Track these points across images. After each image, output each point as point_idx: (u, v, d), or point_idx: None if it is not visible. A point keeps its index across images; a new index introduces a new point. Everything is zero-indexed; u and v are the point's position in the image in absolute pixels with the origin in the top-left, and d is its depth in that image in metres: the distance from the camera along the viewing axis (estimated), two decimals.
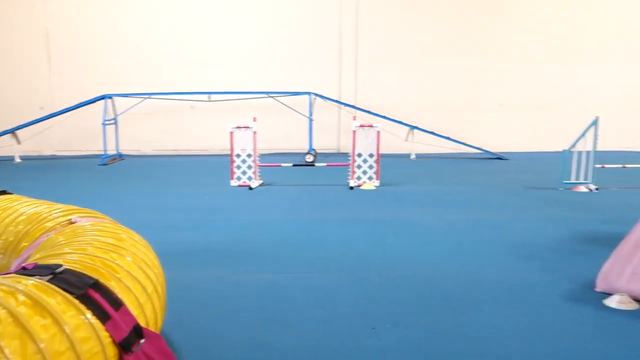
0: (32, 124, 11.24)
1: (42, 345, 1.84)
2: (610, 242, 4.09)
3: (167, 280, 2.88)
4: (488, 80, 11.87)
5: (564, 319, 3.33)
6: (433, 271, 4.18)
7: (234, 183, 7.89)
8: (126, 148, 12.06)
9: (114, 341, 2.09)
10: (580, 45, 11.75)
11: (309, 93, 11.03)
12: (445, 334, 3.10)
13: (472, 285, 3.89)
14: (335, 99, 11.66)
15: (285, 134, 12.04)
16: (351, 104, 11.60)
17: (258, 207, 6.55)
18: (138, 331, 2.23)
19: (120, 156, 11.59)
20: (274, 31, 12.15)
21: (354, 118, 8.03)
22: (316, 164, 8.94)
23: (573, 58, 11.77)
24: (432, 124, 11.34)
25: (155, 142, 12.44)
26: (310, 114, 11.06)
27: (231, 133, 7.83)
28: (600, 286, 3.74)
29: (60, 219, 3.00)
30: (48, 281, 2.09)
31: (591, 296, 3.68)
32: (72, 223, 2.94)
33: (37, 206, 3.23)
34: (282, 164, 8.62)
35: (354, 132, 7.70)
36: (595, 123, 7.41)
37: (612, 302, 3.54)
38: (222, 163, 9.10)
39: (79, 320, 2.01)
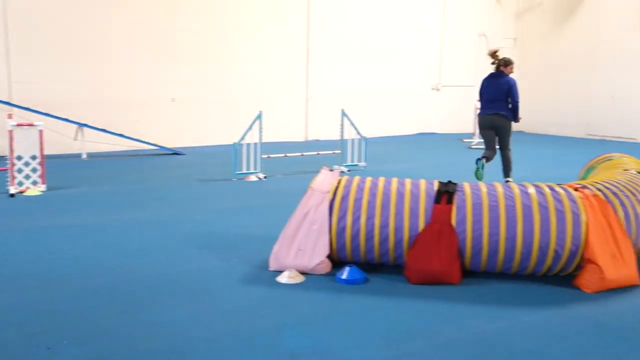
0: None
1: None
2: (280, 224, 4.48)
3: None
4: (160, 75, 11.84)
5: (241, 299, 3.54)
6: (114, 274, 3.98)
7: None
8: None
9: None
10: (246, 45, 12.60)
11: None
12: (129, 339, 2.98)
13: (155, 282, 3.83)
14: None
15: None
16: (5, 100, 10.25)
17: None
18: None
19: None
20: None
21: (10, 116, 7.11)
22: None
23: (241, 57, 12.56)
24: (104, 121, 10.79)
25: None
26: None
27: None
28: (272, 265, 4.08)
29: None
30: None
31: (266, 276, 3.99)
32: None
33: None
34: None
35: (10, 132, 6.82)
36: (259, 117, 8.05)
37: (283, 278, 3.89)
38: None
39: None
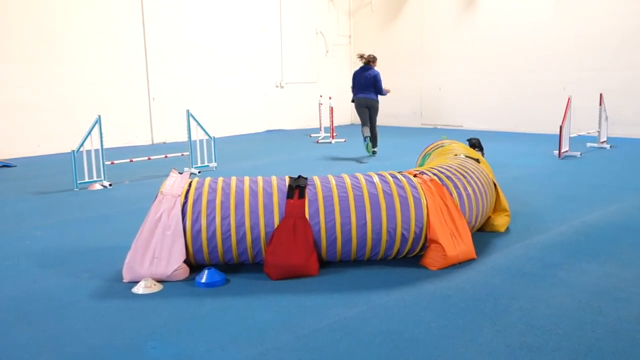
0: None
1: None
2: (131, 232, 4.27)
3: None
4: None
5: (95, 316, 3.34)
6: None
7: None
8: None
9: None
10: (80, 45, 11.78)
11: None
12: None
13: None
14: None
15: None
16: None
17: None
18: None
19: None
20: None
21: None
22: None
23: (75, 57, 11.72)
24: None
25: None
26: None
27: None
28: (126, 277, 3.89)
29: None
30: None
31: (120, 288, 3.80)
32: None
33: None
34: None
35: None
36: (98, 122, 7.61)
37: (139, 288, 3.73)
38: None
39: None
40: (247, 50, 14.85)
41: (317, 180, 4.21)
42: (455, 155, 5.32)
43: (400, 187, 4.16)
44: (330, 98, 12.97)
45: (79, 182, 7.48)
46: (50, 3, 11.41)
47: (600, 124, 10.41)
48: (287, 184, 4.13)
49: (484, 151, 7.71)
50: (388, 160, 9.44)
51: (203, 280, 3.80)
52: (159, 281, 3.84)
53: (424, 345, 2.91)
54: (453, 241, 4.12)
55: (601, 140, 10.46)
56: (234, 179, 4.20)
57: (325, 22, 16.61)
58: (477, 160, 5.28)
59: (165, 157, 8.97)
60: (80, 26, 11.83)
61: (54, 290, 3.79)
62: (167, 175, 4.25)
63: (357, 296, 3.61)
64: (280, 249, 3.89)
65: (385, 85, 10.10)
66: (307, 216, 3.95)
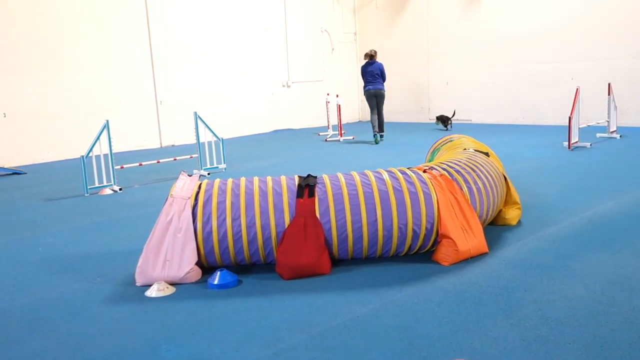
0: None
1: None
2: (142, 236, 4.29)
3: None
4: None
5: (109, 320, 3.36)
6: None
7: None
8: None
9: None
10: (85, 52, 11.84)
11: None
12: None
13: (10, 315, 3.51)
14: None
15: None
16: None
17: None
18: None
19: None
20: None
21: None
22: None
23: (81, 64, 11.78)
24: None
25: None
26: None
27: None
28: (139, 280, 3.90)
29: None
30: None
31: (133, 292, 3.81)
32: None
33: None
34: None
35: None
36: (106, 126, 7.64)
37: (152, 292, 3.74)
38: None
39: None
40: (253, 51, 14.86)
41: (326, 178, 4.21)
42: (465, 149, 5.30)
43: (410, 183, 4.14)
44: (337, 96, 12.95)
45: (89, 187, 7.52)
46: (57, 10, 11.47)
47: (609, 113, 10.32)
48: (296, 183, 4.13)
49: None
50: (397, 157, 9.41)
51: (215, 282, 3.81)
52: (172, 284, 3.85)
53: (438, 341, 2.90)
54: (465, 236, 4.10)
55: (611, 130, 10.37)
56: (243, 180, 4.20)
57: (330, 20, 16.58)
58: (487, 154, 5.25)
59: (174, 159, 9.00)
60: (86, 32, 11.89)
61: (67, 296, 3.81)
62: (177, 178, 4.26)
63: (370, 293, 3.60)
64: (291, 248, 3.89)
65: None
66: (317, 215, 3.94)
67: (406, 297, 3.50)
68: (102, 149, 7.59)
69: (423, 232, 4.06)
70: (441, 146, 6.00)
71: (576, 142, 9.36)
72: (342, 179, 4.19)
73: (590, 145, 9.41)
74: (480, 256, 4.17)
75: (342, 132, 12.58)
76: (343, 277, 3.92)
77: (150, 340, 3.08)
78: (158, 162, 8.92)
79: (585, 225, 4.86)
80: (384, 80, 11.78)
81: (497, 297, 3.42)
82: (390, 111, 16.56)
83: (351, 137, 12.59)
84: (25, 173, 9.94)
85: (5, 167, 10.24)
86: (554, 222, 5.00)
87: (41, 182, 8.84)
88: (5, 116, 10.91)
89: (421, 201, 4.05)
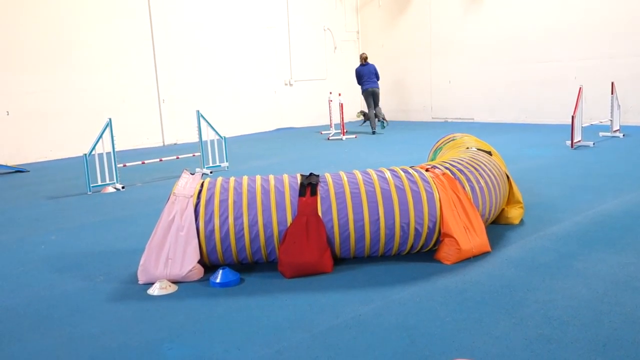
0: None
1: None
2: (145, 234, 4.30)
3: None
4: None
5: (112, 319, 3.36)
6: None
7: None
8: None
9: None
10: (88, 50, 11.85)
11: None
12: None
13: (13, 313, 3.51)
14: None
15: None
16: None
17: None
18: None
19: None
20: None
21: None
22: None
23: (83, 63, 11.79)
24: None
25: None
26: None
27: None
28: (142, 279, 3.91)
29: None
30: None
31: (136, 290, 3.82)
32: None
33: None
34: None
35: None
36: (109, 125, 7.65)
37: (154, 290, 3.75)
38: None
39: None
40: (255, 49, 14.85)
41: (328, 177, 4.20)
42: (467, 148, 5.29)
43: (412, 181, 4.14)
44: (340, 94, 12.95)
45: (91, 185, 7.53)
46: (60, 9, 11.48)
47: (612, 112, 10.30)
48: (298, 181, 4.13)
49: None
50: (399, 155, 9.41)
51: (218, 280, 3.81)
52: (174, 282, 3.86)
53: (440, 340, 2.90)
54: (467, 235, 4.10)
55: (614, 129, 10.35)
56: (245, 178, 4.20)
57: (333, 18, 16.57)
58: (489, 153, 5.24)
59: (177, 158, 9.01)
60: (90, 31, 11.90)
61: (70, 294, 3.82)
62: (179, 176, 4.26)
63: (372, 292, 3.60)
64: (293, 247, 3.89)
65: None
66: (319, 213, 3.94)
67: (408, 296, 3.49)
68: (104, 147, 7.60)
69: (425, 230, 4.06)
70: (443, 145, 5.99)
71: (579, 141, 9.34)
72: (345, 178, 4.19)
73: (593, 144, 9.39)
74: (482, 255, 4.16)
75: (345, 130, 12.57)
76: (345, 275, 3.92)
77: (152, 338, 3.08)
78: (160, 160, 8.93)
79: (588, 224, 4.85)
80: (378, 79, 13.28)
81: (500, 296, 3.42)
82: (393, 110, 16.56)
83: (353, 136, 12.58)
84: (28, 171, 9.95)
85: (8, 165, 10.26)
86: (556, 221, 4.99)
87: (44, 180, 8.85)
88: (8, 114, 10.94)
89: (424, 200, 4.05)
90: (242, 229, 3.91)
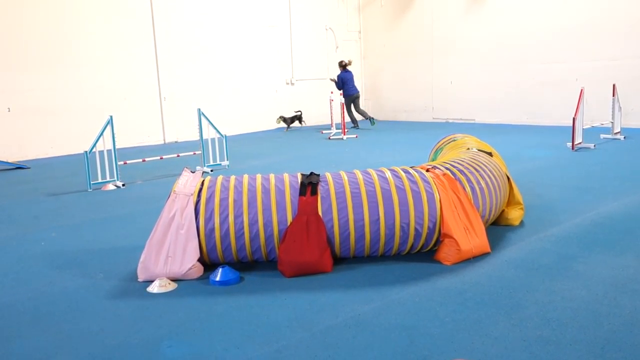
0: None
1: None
2: (145, 232, 4.29)
3: None
4: None
5: (111, 316, 3.36)
6: None
7: None
8: None
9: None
10: (89, 47, 11.85)
11: None
12: None
13: (12, 309, 3.52)
14: None
15: None
16: None
17: None
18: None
19: None
20: None
21: None
22: None
23: (85, 60, 11.79)
24: None
25: None
26: None
27: None
28: (141, 276, 3.91)
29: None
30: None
31: (135, 288, 3.82)
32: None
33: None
34: None
35: None
36: (110, 122, 7.66)
37: (154, 288, 3.75)
38: None
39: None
40: (257, 48, 14.86)
41: (329, 176, 4.21)
42: (468, 149, 5.29)
43: (413, 182, 4.14)
44: (341, 94, 12.95)
45: (92, 182, 7.54)
46: (62, 7, 11.48)
47: (613, 115, 10.30)
48: (299, 181, 4.13)
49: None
50: (400, 155, 9.41)
51: (217, 279, 3.82)
52: (174, 280, 3.86)
53: (439, 340, 2.90)
54: (467, 235, 4.10)
55: (615, 132, 10.35)
56: (246, 177, 4.21)
57: (335, 18, 16.57)
58: (490, 154, 5.24)
59: (178, 156, 9.01)
60: (92, 29, 11.90)
61: (69, 291, 3.82)
62: (180, 175, 4.26)
63: (372, 292, 3.60)
64: (293, 246, 3.89)
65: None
66: (320, 213, 3.95)
67: (408, 296, 3.50)
68: (105, 144, 7.60)
69: (425, 231, 4.06)
70: (444, 145, 5.99)
71: (580, 142, 9.33)
72: (345, 177, 4.19)
73: (594, 146, 9.39)
74: (482, 256, 4.16)
75: (346, 130, 12.57)
76: (345, 275, 3.92)
77: (151, 336, 3.08)
78: (161, 158, 8.93)
79: (588, 226, 4.85)
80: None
81: (499, 297, 3.42)
82: (394, 110, 16.57)
83: (354, 136, 12.58)
84: (29, 168, 9.96)
85: (9, 161, 10.27)
86: (556, 222, 4.99)
87: (44, 177, 8.86)
88: (9, 111, 10.94)
89: (424, 200, 4.05)
90: (242, 227, 3.91)
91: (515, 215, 5.01)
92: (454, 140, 5.91)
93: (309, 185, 4.05)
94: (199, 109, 8.75)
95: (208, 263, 4.07)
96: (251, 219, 3.92)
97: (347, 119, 14.43)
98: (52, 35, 11.37)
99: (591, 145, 9.37)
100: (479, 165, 4.66)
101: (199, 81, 13.64)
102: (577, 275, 3.74)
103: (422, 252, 4.27)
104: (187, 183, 4.10)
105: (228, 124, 12.81)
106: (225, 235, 3.92)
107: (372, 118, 14.46)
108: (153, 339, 3.04)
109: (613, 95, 10.23)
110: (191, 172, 4.32)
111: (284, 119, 14.53)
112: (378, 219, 3.98)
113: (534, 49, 13.44)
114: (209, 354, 2.86)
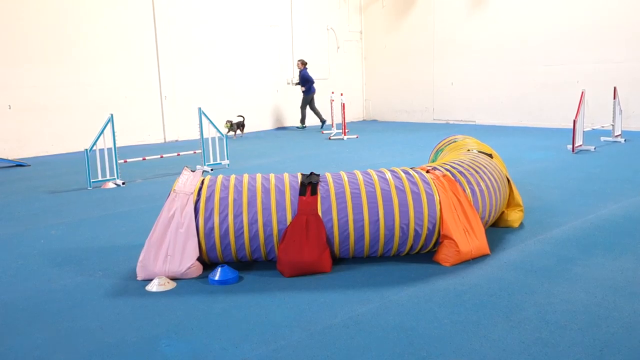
0: None
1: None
2: (144, 231, 4.29)
3: None
4: None
5: (110, 314, 3.36)
6: None
7: None
8: None
9: None
10: (91, 45, 11.85)
11: None
12: None
13: (11, 306, 3.52)
14: None
15: None
16: None
17: None
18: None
19: None
20: None
21: None
22: None
23: (86, 58, 11.79)
24: None
25: None
26: None
27: None
28: (140, 275, 3.91)
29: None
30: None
31: (134, 286, 3.82)
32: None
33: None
34: None
35: None
36: (111, 120, 7.66)
37: (153, 286, 3.75)
38: None
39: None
40: (258, 48, 14.86)
41: (329, 176, 4.21)
42: (468, 150, 5.29)
43: (413, 183, 4.14)
44: (342, 94, 12.95)
45: (92, 180, 7.54)
46: (64, 4, 11.48)
47: (614, 117, 10.30)
48: (299, 181, 4.13)
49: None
50: (400, 156, 9.41)
51: (216, 278, 3.82)
52: (173, 279, 3.86)
53: (437, 341, 2.90)
54: (466, 237, 4.10)
55: (615, 134, 10.35)
56: (246, 177, 4.21)
57: (336, 18, 16.57)
58: (490, 155, 5.24)
59: (178, 155, 9.01)
60: (93, 27, 11.91)
61: (68, 289, 3.82)
62: (180, 173, 4.26)
63: (371, 292, 3.60)
64: (293, 246, 3.89)
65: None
66: (319, 213, 3.95)
67: (407, 297, 3.50)
68: (106, 142, 7.61)
69: (425, 232, 4.06)
70: (445, 147, 5.99)
71: (580, 145, 9.34)
72: (345, 178, 4.19)
73: (595, 148, 9.39)
74: (481, 258, 4.16)
75: (346, 130, 12.58)
76: (344, 275, 3.93)
77: (150, 334, 3.08)
78: (161, 157, 8.93)
79: (588, 228, 4.85)
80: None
81: (498, 299, 3.42)
82: (394, 110, 16.57)
83: (355, 136, 12.58)
84: (29, 165, 9.96)
85: (9, 158, 10.27)
86: (556, 225, 4.99)
87: (44, 175, 8.86)
88: (10, 108, 10.95)
89: (423, 201, 4.05)
90: (242, 227, 3.91)
91: (515, 217, 5.01)
92: (455, 142, 5.91)
93: (309, 185, 4.05)
94: (200, 108, 8.76)
95: (207, 262, 4.07)
96: (251, 218, 3.92)
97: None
98: (53, 33, 11.38)
99: (591, 148, 9.37)
100: (479, 167, 4.66)
101: (199, 80, 13.64)
102: (577, 277, 3.74)
103: (422, 253, 4.27)
104: (187, 182, 4.10)
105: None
106: (224, 235, 3.92)
107: (324, 121, 14.52)
108: (151, 338, 3.04)
109: (614, 98, 10.23)
110: (191, 171, 4.32)
111: (231, 125, 13.04)
112: (378, 219, 3.98)
113: (535, 51, 13.45)
114: (207, 352, 2.86)
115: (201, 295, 3.63)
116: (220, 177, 4.19)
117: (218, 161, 8.91)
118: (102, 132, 7.56)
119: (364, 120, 17.30)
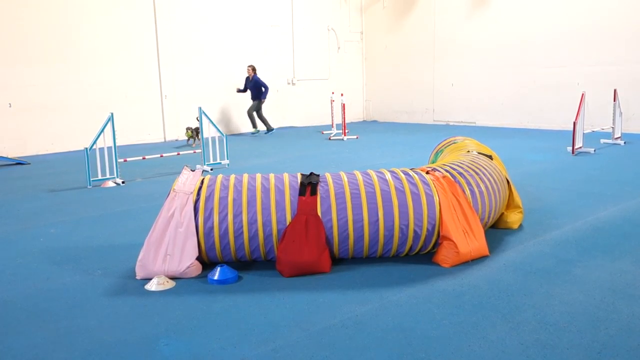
0: None
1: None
2: (144, 230, 4.29)
3: None
4: None
5: (108, 313, 3.36)
6: None
7: None
8: None
9: None
10: (91, 44, 11.85)
11: None
12: None
13: (10, 305, 3.53)
14: None
15: None
16: None
17: None
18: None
19: None
20: None
21: None
22: None
23: (86, 57, 11.79)
24: None
25: None
26: None
27: None
28: (139, 274, 3.91)
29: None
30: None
31: (133, 285, 3.82)
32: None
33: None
34: None
35: None
36: (111, 119, 7.66)
37: (152, 285, 3.75)
38: None
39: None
40: (259, 48, 14.85)
41: (329, 177, 4.21)
42: (468, 151, 5.30)
43: (412, 183, 4.14)
44: (342, 95, 12.95)
45: (92, 179, 7.54)
46: (64, 3, 11.48)
47: (614, 119, 10.30)
48: (299, 181, 4.13)
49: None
50: (400, 157, 9.41)
51: (215, 278, 3.82)
52: (172, 278, 3.86)
53: (436, 342, 2.90)
54: (466, 238, 4.10)
55: (615, 137, 10.35)
56: (245, 176, 4.21)
57: (337, 18, 16.58)
58: (490, 157, 5.25)
59: (178, 154, 9.01)
60: (94, 26, 11.91)
61: (67, 288, 3.82)
62: (180, 173, 4.26)
63: (370, 293, 3.60)
64: (292, 246, 3.89)
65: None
66: (319, 213, 3.95)
67: (405, 298, 3.50)
68: (106, 141, 7.61)
69: (424, 233, 4.06)
70: (444, 148, 5.99)
71: (580, 147, 9.34)
72: (345, 178, 4.19)
73: (594, 150, 9.39)
74: (480, 259, 4.16)
75: (346, 131, 12.58)
76: (343, 276, 3.93)
77: (149, 333, 3.09)
78: (161, 156, 8.93)
79: (587, 230, 4.85)
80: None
81: (497, 301, 3.42)
82: (395, 111, 16.57)
83: (355, 137, 12.58)
84: (29, 164, 9.96)
85: (9, 157, 10.27)
86: (555, 226, 4.99)
87: (44, 174, 8.86)
88: (10, 106, 10.95)
89: (423, 202, 4.05)
90: (242, 226, 3.91)
91: (514, 218, 5.01)
92: (454, 143, 5.91)
93: (309, 185, 4.05)
94: (200, 108, 8.76)
95: (206, 262, 4.07)
96: (250, 218, 3.92)
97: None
98: (53, 32, 11.38)
99: (591, 150, 9.37)
100: (478, 168, 4.67)
101: (200, 80, 13.64)
102: (575, 279, 3.74)
103: (421, 254, 4.27)
104: (186, 181, 4.10)
105: (228, 123, 12.81)
106: (224, 234, 3.92)
107: (272, 128, 13.83)
108: (150, 337, 3.04)
109: (614, 100, 10.23)
110: (191, 170, 4.32)
111: (191, 131, 11.93)
112: (377, 220, 3.98)
113: (535, 53, 13.45)
114: (206, 352, 2.86)
115: (200, 295, 3.63)
116: (220, 177, 4.19)
117: (218, 161, 8.91)
118: (102, 131, 7.56)
119: (364, 120, 17.30)
